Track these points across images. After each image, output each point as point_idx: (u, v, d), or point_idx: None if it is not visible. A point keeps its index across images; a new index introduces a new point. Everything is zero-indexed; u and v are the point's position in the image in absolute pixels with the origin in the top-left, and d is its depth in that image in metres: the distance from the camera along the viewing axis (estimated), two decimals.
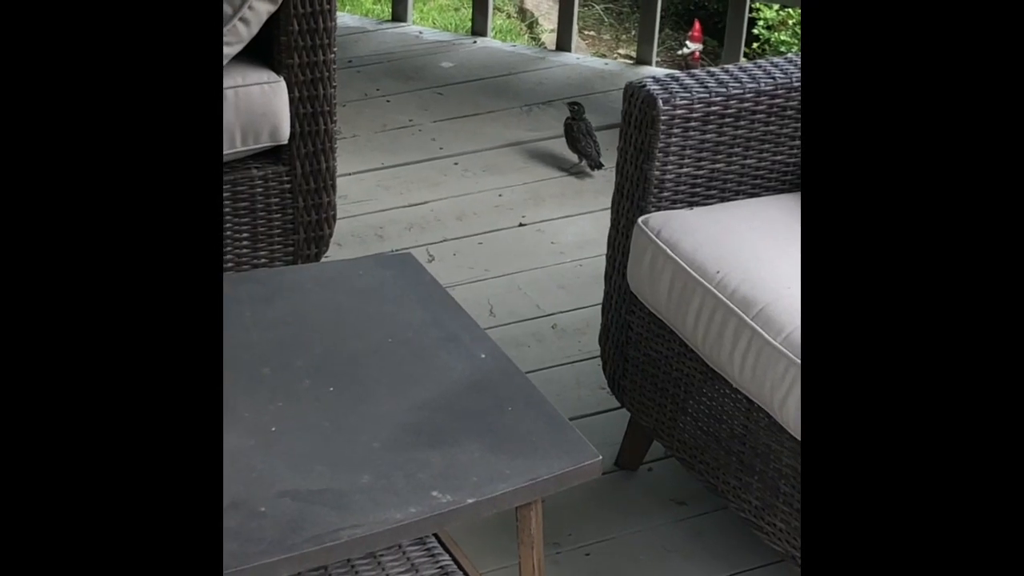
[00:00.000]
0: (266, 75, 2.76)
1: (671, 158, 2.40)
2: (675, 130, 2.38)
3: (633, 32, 5.32)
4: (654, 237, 2.37)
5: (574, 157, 3.63)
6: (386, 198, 3.49)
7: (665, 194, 2.43)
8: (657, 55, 4.23)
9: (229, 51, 2.69)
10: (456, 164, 3.65)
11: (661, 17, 4.18)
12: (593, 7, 5.62)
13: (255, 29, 2.71)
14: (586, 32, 5.48)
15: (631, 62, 4.33)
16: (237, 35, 2.69)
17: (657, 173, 2.40)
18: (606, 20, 5.62)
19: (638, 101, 2.39)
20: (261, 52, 2.78)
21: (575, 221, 3.44)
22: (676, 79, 2.42)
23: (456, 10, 5.37)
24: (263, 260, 2.89)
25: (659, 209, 2.43)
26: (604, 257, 2.59)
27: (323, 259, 2.97)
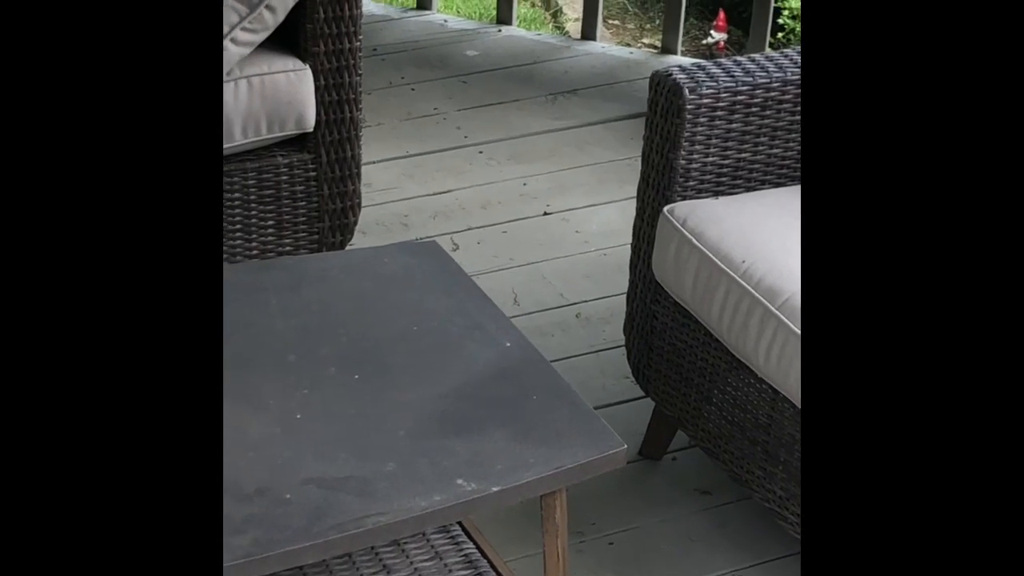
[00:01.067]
0: (292, 63, 2.77)
1: (697, 147, 2.40)
2: (701, 119, 2.38)
3: (657, 21, 5.31)
4: (679, 226, 2.36)
5: (598, 146, 3.61)
6: (411, 186, 3.49)
7: (691, 183, 2.42)
8: (682, 45, 4.22)
9: (255, 39, 2.69)
10: (481, 153, 3.65)
11: (686, 6, 4.17)
12: None
13: (281, 16, 2.71)
14: (610, 21, 5.47)
15: (656, 51, 4.32)
16: (263, 22, 2.69)
17: (683, 162, 2.40)
18: (630, 9, 5.60)
19: (664, 90, 2.38)
20: (287, 40, 2.78)
21: (600, 210, 3.43)
22: (702, 68, 2.41)
23: None
24: (288, 248, 2.89)
25: (685, 198, 2.42)
26: (629, 246, 2.59)
27: (348, 247, 2.97)
